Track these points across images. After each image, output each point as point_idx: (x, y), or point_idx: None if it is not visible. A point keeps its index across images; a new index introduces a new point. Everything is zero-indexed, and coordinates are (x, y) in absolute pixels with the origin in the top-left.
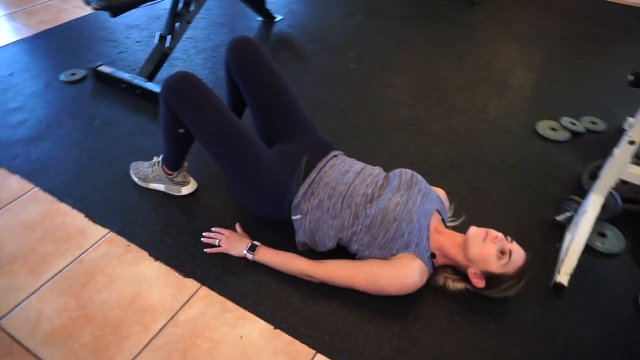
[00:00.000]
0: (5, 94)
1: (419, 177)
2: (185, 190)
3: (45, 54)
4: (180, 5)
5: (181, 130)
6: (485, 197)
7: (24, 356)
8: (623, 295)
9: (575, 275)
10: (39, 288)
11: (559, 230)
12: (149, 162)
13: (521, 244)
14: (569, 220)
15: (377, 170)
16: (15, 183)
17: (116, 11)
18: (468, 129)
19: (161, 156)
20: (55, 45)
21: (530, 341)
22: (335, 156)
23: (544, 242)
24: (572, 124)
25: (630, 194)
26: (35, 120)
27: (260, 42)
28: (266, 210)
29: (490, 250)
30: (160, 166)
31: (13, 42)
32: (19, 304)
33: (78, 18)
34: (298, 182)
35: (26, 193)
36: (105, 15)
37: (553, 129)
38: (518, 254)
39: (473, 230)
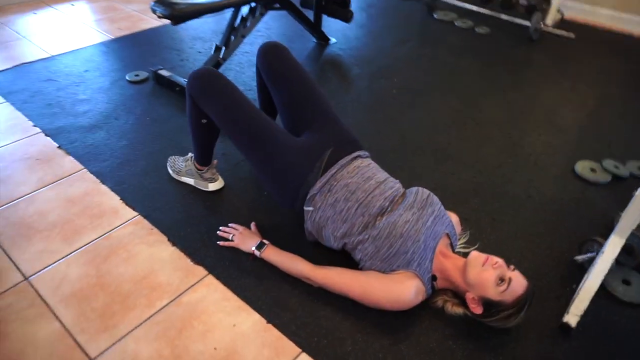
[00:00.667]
0: (77, 87)
1: (435, 198)
2: (212, 186)
3: (117, 56)
4: (238, 21)
5: (204, 121)
6: (505, 229)
7: (43, 310)
8: (638, 348)
9: (587, 320)
10: (68, 254)
11: (580, 272)
12: (184, 157)
13: (535, 281)
14: (590, 262)
15: (398, 185)
16: (69, 163)
17: (177, 20)
18: (500, 161)
19: (194, 155)
20: (127, 49)
21: None
22: (359, 156)
23: (561, 282)
24: (616, 167)
25: None
26: (97, 112)
27: (289, 49)
28: (282, 197)
29: (488, 276)
30: (192, 162)
31: (93, 45)
32: (48, 266)
33: (152, 28)
34: (317, 174)
35: (75, 172)
36: (175, 27)
37: (593, 170)
38: (518, 283)
39: (474, 254)
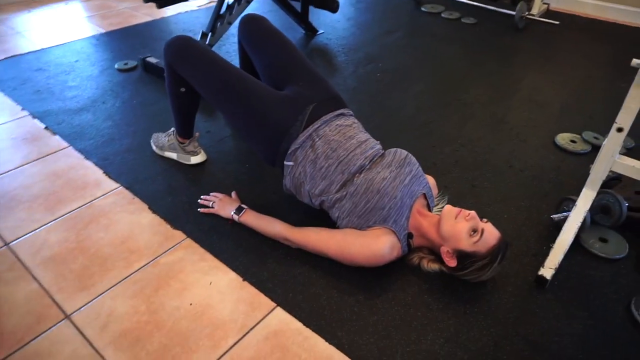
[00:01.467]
0: (68, 75)
1: (413, 159)
2: (195, 159)
3: (108, 48)
4: (223, 9)
5: (182, 89)
6: (485, 195)
7: (22, 272)
8: (614, 299)
9: (564, 274)
10: (50, 222)
11: (557, 232)
12: (166, 132)
13: (513, 241)
14: (565, 220)
15: (379, 146)
16: (55, 142)
17: (162, 3)
18: (482, 134)
19: (174, 129)
20: (117, 42)
21: (497, 326)
22: (343, 114)
23: (538, 241)
24: (595, 138)
25: None
26: (85, 97)
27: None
28: (264, 151)
29: (461, 227)
30: (174, 136)
31: (84, 38)
32: (29, 232)
33: (143, 22)
34: (299, 127)
35: (61, 150)
36: (167, 20)
37: (573, 142)
38: (491, 233)
39: (447, 207)
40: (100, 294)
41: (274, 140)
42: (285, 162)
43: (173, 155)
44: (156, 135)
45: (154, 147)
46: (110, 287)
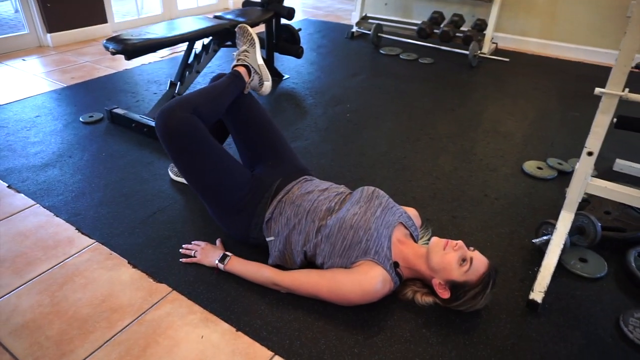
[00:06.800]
0: (29, 131)
1: (381, 192)
2: None
3: (71, 101)
4: (191, 58)
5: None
6: (466, 225)
7: None
8: (602, 316)
9: (552, 297)
10: (19, 287)
11: (540, 255)
12: None
13: (499, 267)
14: (547, 243)
15: (342, 188)
16: (19, 200)
17: (130, 55)
18: (454, 167)
19: None
20: (80, 95)
21: (498, 355)
22: (305, 179)
23: (524, 266)
24: (560, 164)
25: (614, 223)
26: (49, 152)
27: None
28: (235, 231)
29: (450, 258)
30: None
31: (45, 92)
32: None
33: (106, 75)
34: (265, 204)
35: (27, 208)
36: (130, 72)
37: (539, 168)
38: (479, 261)
39: (434, 240)
40: None
41: (243, 222)
42: (267, 239)
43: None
44: (172, 165)
45: (170, 174)
46: (93, 351)
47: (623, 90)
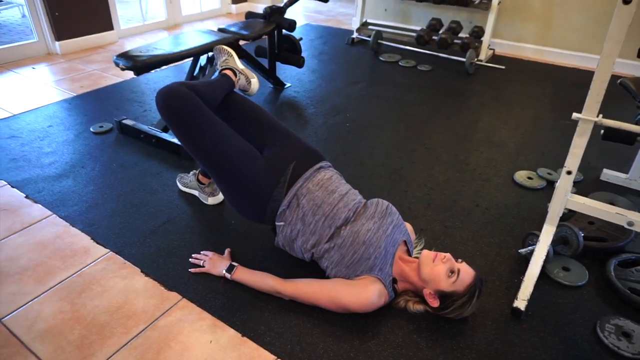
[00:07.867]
0: (42, 141)
1: (394, 209)
2: (212, 200)
3: (81, 111)
4: (197, 71)
5: None
6: (457, 235)
7: (18, 348)
8: (581, 323)
9: (535, 304)
10: (41, 294)
11: (526, 265)
12: (192, 172)
13: (487, 276)
14: (532, 253)
15: (359, 197)
16: (37, 210)
17: (139, 70)
18: (448, 177)
19: (200, 168)
20: (90, 104)
21: (482, 358)
22: (322, 167)
23: (510, 275)
24: (549, 174)
25: (597, 233)
26: (63, 162)
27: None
28: (250, 214)
29: (439, 270)
30: (195, 176)
31: (56, 102)
32: (21, 306)
33: (114, 84)
34: (282, 190)
35: (44, 218)
36: (137, 80)
37: (530, 178)
38: (466, 272)
39: (424, 253)
40: None
41: (259, 204)
42: (276, 223)
43: (195, 192)
44: (180, 175)
45: (179, 185)
46: (112, 355)
47: (597, 116)
